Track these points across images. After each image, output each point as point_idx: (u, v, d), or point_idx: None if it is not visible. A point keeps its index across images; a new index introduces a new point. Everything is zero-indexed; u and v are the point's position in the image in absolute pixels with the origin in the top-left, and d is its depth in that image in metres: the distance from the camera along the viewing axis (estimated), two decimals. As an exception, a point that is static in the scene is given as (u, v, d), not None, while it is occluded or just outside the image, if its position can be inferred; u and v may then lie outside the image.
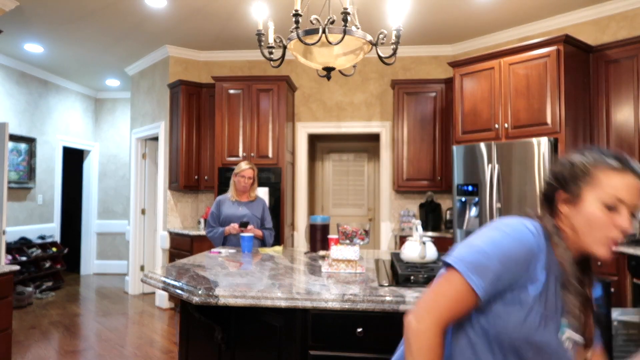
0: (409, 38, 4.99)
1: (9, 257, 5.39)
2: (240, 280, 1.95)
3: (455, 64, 4.37)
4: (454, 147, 4.23)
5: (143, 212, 6.18)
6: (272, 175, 4.84)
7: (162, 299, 5.41)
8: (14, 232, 5.86)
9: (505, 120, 3.97)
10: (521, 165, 3.73)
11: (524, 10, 4.31)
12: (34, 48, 5.44)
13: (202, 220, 5.26)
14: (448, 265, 1.01)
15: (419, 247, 2.06)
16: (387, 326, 1.67)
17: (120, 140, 7.62)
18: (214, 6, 4.26)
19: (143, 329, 4.57)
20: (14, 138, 5.83)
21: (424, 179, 5.01)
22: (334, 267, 2.17)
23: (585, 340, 1.03)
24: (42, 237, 6.27)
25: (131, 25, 4.76)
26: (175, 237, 5.30)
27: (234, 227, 3.34)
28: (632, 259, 3.38)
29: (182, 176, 5.22)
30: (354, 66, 2.91)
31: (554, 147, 3.63)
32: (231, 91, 4.97)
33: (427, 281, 1.87)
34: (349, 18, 2.28)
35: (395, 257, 2.26)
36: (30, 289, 5.58)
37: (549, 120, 3.69)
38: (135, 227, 6.11)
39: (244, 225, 3.29)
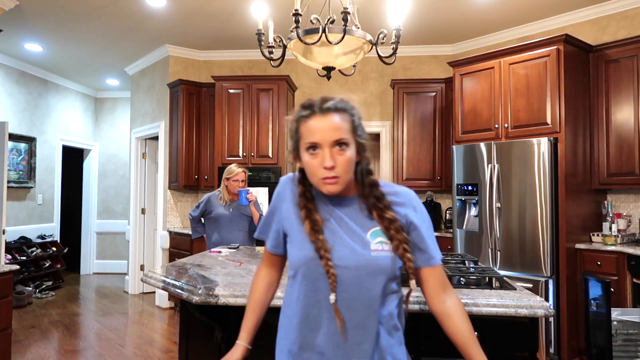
0: (409, 38, 4.99)
1: (9, 256, 5.39)
2: (240, 279, 1.95)
3: (455, 64, 4.37)
4: (454, 147, 4.23)
5: (143, 211, 6.18)
6: (272, 175, 4.84)
7: (162, 299, 5.41)
8: (14, 231, 5.86)
9: (505, 120, 3.97)
10: (521, 165, 3.73)
11: (524, 10, 4.31)
12: (33, 47, 5.43)
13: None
14: None
15: (419, 247, 2.06)
16: (387, 326, 1.67)
17: (120, 139, 7.62)
18: (213, 6, 4.26)
19: (143, 328, 4.57)
20: (13, 137, 5.83)
21: (424, 178, 5.01)
22: (334, 267, 2.17)
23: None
24: (41, 237, 6.27)
25: (131, 25, 4.75)
26: (175, 237, 5.30)
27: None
28: (632, 258, 3.39)
29: (182, 176, 5.22)
30: (354, 66, 2.91)
31: (553, 146, 3.63)
32: (231, 91, 4.97)
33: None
34: (349, 18, 2.28)
35: (395, 256, 2.25)
36: (30, 289, 5.58)
37: (548, 120, 3.69)
38: (135, 227, 6.11)
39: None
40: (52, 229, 6.61)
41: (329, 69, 2.72)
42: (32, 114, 6.26)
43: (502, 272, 3.34)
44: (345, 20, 2.28)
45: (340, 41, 2.36)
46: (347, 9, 2.26)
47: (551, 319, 3.56)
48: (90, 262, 7.50)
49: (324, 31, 2.37)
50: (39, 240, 6.17)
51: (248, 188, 3.21)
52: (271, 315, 1.84)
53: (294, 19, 2.34)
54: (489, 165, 3.92)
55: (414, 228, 1.19)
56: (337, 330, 1.11)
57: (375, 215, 1.17)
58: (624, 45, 3.76)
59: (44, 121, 6.48)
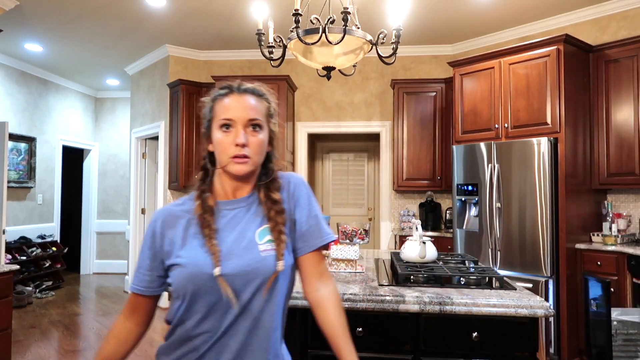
0: (409, 38, 4.99)
1: (9, 256, 5.39)
2: (240, 279, 1.95)
3: (455, 64, 4.37)
4: (454, 147, 4.23)
5: (143, 211, 6.18)
6: (272, 175, 4.83)
7: (162, 299, 5.41)
8: (14, 231, 5.86)
9: (505, 120, 3.97)
10: (521, 165, 3.73)
11: (524, 10, 4.31)
12: (33, 47, 5.43)
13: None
14: None
15: (419, 247, 2.07)
16: (387, 325, 1.67)
17: (120, 139, 7.62)
18: (213, 6, 4.26)
19: (143, 328, 4.57)
20: (13, 137, 5.83)
21: (424, 178, 5.01)
22: (334, 267, 2.17)
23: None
24: (41, 237, 6.27)
25: (131, 25, 4.75)
26: (175, 237, 5.29)
27: None
28: (632, 258, 3.39)
29: (182, 176, 5.22)
30: (354, 66, 2.91)
31: (553, 146, 3.63)
32: (231, 91, 4.96)
33: (427, 281, 1.87)
34: (349, 17, 2.28)
35: (395, 256, 2.26)
36: (30, 289, 5.58)
37: (548, 120, 3.69)
38: (135, 227, 6.11)
39: None
40: (52, 229, 6.61)
41: (329, 69, 2.72)
42: (32, 114, 6.26)
43: (502, 272, 3.34)
44: (345, 20, 2.28)
45: (340, 41, 2.36)
46: (347, 9, 2.26)
47: (551, 319, 3.56)
48: (90, 262, 7.50)
49: (324, 31, 2.37)
50: (39, 240, 6.17)
51: None
52: (271, 315, 1.84)
53: (294, 19, 2.34)
54: (489, 165, 3.92)
55: (293, 210, 1.17)
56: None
57: (265, 209, 1.14)
58: (624, 45, 3.76)
59: (44, 121, 6.48)
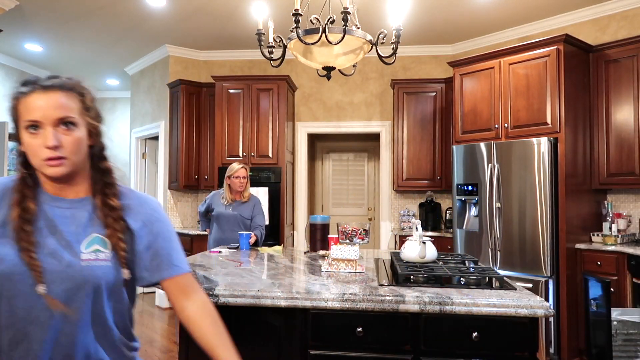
0: (409, 38, 4.99)
1: (9, 256, 5.39)
2: (240, 279, 1.95)
3: (455, 64, 4.37)
4: (454, 147, 4.23)
5: (143, 211, 6.18)
6: (272, 175, 4.84)
7: (162, 299, 5.41)
8: (14, 231, 5.85)
9: (505, 120, 3.97)
10: (521, 165, 3.73)
11: (524, 10, 4.31)
12: (33, 47, 5.43)
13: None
14: None
15: (419, 247, 2.07)
16: (387, 325, 1.67)
17: (120, 139, 7.62)
18: (213, 6, 4.26)
19: (143, 328, 4.57)
20: (13, 137, 5.82)
21: (424, 178, 5.01)
22: (334, 267, 2.17)
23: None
24: (42, 237, 6.26)
25: (131, 25, 4.76)
26: (175, 237, 5.29)
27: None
28: (632, 258, 3.39)
29: (182, 176, 5.22)
30: (354, 66, 2.91)
31: (553, 146, 3.63)
32: (231, 91, 4.97)
33: (427, 281, 1.88)
34: (349, 18, 2.28)
35: (395, 256, 2.26)
36: (30, 289, 5.57)
37: (548, 120, 3.69)
38: (135, 227, 6.10)
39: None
40: (52, 229, 6.60)
41: (329, 69, 2.72)
42: (32, 114, 6.25)
43: (502, 272, 3.34)
44: (345, 20, 2.28)
45: (340, 41, 2.36)
46: (347, 9, 2.26)
47: (551, 319, 3.56)
48: (90, 262, 7.50)
49: (324, 31, 2.37)
50: (39, 240, 6.16)
51: (250, 232, 3.14)
52: (271, 315, 1.84)
53: (294, 19, 2.34)
54: (489, 165, 3.92)
55: (154, 236, 1.10)
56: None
57: (101, 214, 1.05)
58: (624, 45, 3.76)
59: (44, 121, 6.48)
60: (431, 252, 2.09)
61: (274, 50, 2.75)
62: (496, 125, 4.02)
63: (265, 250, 3.09)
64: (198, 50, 5.58)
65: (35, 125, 1.00)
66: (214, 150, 5.03)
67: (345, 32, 2.34)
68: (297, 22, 2.33)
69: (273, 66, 2.84)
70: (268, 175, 4.82)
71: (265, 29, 2.72)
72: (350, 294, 1.67)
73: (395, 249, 4.91)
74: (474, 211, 4.08)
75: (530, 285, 3.61)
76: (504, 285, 1.82)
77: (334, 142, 6.65)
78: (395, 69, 5.34)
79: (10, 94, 1.05)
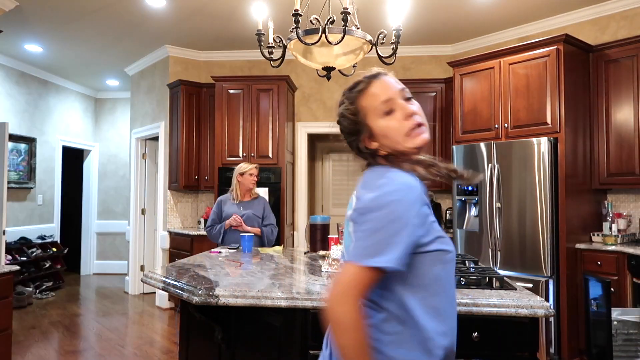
0: (409, 38, 4.99)
1: (9, 257, 5.39)
2: (240, 280, 1.95)
3: (455, 64, 4.37)
4: (454, 147, 4.23)
5: (143, 212, 6.18)
6: (272, 175, 4.83)
7: (162, 299, 5.41)
8: (14, 232, 5.86)
9: (505, 120, 3.97)
10: (521, 165, 3.73)
11: (524, 10, 4.31)
12: (33, 48, 5.43)
13: (202, 220, 5.26)
14: None
15: (419, 247, 2.06)
16: (387, 326, 1.66)
17: (120, 140, 7.62)
18: (214, 6, 4.26)
19: (143, 328, 4.57)
20: (13, 138, 5.83)
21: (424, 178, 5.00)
22: (334, 267, 2.17)
23: None
24: (42, 237, 6.27)
25: (131, 25, 4.76)
26: (175, 237, 5.30)
27: (234, 218, 3.36)
28: (632, 258, 3.38)
29: (182, 176, 5.22)
30: (354, 66, 2.91)
31: (553, 146, 3.63)
32: (231, 91, 4.97)
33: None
34: (348, 18, 2.28)
35: (395, 256, 2.25)
36: (30, 289, 5.58)
37: (548, 120, 3.69)
38: (135, 227, 6.11)
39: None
40: (52, 229, 6.61)
41: (328, 69, 2.72)
42: (32, 115, 6.26)
43: (502, 272, 3.34)
44: (345, 20, 2.28)
45: (340, 41, 2.36)
46: (347, 9, 2.26)
47: (551, 319, 3.56)
48: (91, 262, 7.50)
49: (323, 31, 2.37)
50: (39, 241, 6.16)
51: (252, 234, 3.13)
52: (272, 315, 1.84)
53: (293, 19, 2.34)
54: (489, 165, 3.92)
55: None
56: None
57: None
58: (623, 45, 3.76)
59: (44, 122, 6.48)
60: (431, 252, 2.08)
61: (274, 50, 2.75)
62: (496, 125, 4.02)
63: (266, 250, 3.09)
64: (198, 50, 5.58)
65: (389, 110, 1.07)
66: (214, 150, 5.03)
67: (345, 32, 2.34)
68: (297, 22, 2.33)
69: (273, 66, 2.84)
70: (268, 175, 4.82)
71: (265, 29, 2.72)
72: (351, 294, 1.66)
73: (395, 249, 4.90)
74: (474, 211, 4.08)
75: (531, 285, 3.61)
76: (504, 285, 1.82)
77: (334, 142, 6.64)
78: (395, 69, 5.29)
79: (348, 95, 1.16)
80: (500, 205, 3.84)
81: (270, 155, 4.89)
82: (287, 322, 1.77)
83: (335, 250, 2.18)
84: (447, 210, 4.99)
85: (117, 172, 7.60)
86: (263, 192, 4.71)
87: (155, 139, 6.00)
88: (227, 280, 1.94)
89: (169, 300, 5.35)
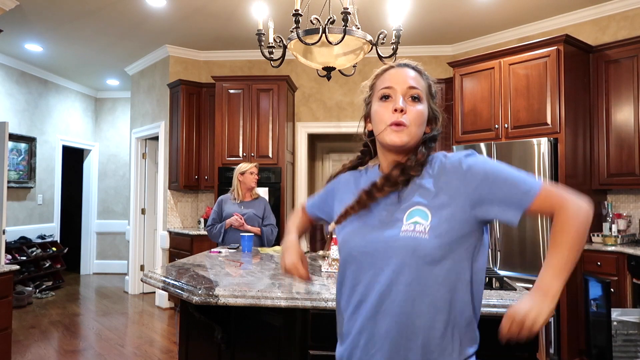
0: (409, 38, 4.99)
1: (9, 256, 5.39)
2: (240, 279, 1.95)
3: (455, 64, 4.37)
4: (454, 147, 4.23)
5: (143, 211, 6.18)
6: (272, 175, 4.83)
7: (162, 299, 5.41)
8: (14, 231, 5.86)
9: (505, 120, 3.97)
10: (521, 165, 3.73)
11: (524, 10, 4.31)
12: (33, 47, 5.43)
13: (202, 220, 5.26)
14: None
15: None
16: (387, 326, 1.66)
17: (120, 139, 7.62)
18: (214, 6, 4.26)
19: (143, 328, 4.57)
20: (13, 137, 5.83)
21: (424, 179, 5.00)
22: (334, 267, 2.17)
23: None
24: (41, 237, 6.27)
25: (131, 25, 4.75)
26: (175, 237, 5.30)
27: (237, 218, 3.36)
28: (632, 259, 3.38)
29: (182, 176, 5.22)
30: (354, 66, 2.91)
31: (553, 147, 3.63)
32: (231, 91, 4.97)
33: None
34: (349, 18, 2.28)
35: (395, 257, 2.26)
36: (30, 289, 5.58)
37: (549, 120, 3.69)
38: (135, 227, 6.11)
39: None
40: (52, 229, 6.61)
41: (329, 69, 2.72)
42: (32, 114, 6.26)
43: (502, 272, 3.35)
44: (345, 20, 2.28)
45: (341, 41, 2.36)
46: (347, 9, 2.26)
47: (551, 320, 3.56)
48: (90, 262, 7.50)
49: (324, 31, 2.37)
50: (39, 241, 6.16)
51: (252, 234, 3.12)
52: (271, 315, 1.84)
53: (294, 19, 2.34)
54: (489, 165, 3.92)
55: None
56: None
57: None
58: (624, 46, 3.76)
59: (44, 121, 6.48)
60: (431, 252, 2.08)
61: (274, 50, 2.75)
62: (496, 126, 4.02)
63: (265, 250, 3.09)
64: (198, 50, 5.58)
65: (386, 95, 1.08)
66: (214, 150, 5.03)
67: (345, 32, 2.34)
68: (297, 22, 2.33)
69: (273, 66, 2.84)
70: (268, 175, 4.82)
71: (266, 29, 2.72)
72: (350, 294, 1.66)
73: (395, 249, 4.91)
74: (474, 211, 4.07)
75: (531, 286, 3.60)
76: (504, 285, 1.82)
77: (334, 142, 6.65)
78: (395, 69, 5.33)
79: (373, 76, 1.18)
80: (500, 206, 3.84)
81: (270, 155, 4.89)
82: (287, 322, 1.77)
83: (336, 251, 2.18)
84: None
85: (117, 171, 7.60)
86: (263, 192, 4.71)
87: (155, 138, 6.00)
88: (227, 280, 1.93)
89: (169, 300, 5.35)
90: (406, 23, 4.55)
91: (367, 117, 1.16)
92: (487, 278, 1.85)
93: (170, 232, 5.39)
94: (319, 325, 1.71)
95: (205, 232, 4.01)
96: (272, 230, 3.54)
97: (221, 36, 5.08)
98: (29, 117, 6.19)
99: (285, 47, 2.65)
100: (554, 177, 3.61)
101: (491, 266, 3.86)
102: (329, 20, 2.39)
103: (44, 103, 6.48)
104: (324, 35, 2.37)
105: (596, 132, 3.92)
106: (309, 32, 2.45)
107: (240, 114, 4.94)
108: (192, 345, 2.25)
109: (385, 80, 1.11)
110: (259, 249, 3.19)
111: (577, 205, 0.99)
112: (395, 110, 1.04)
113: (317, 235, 2.99)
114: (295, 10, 2.32)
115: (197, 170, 5.34)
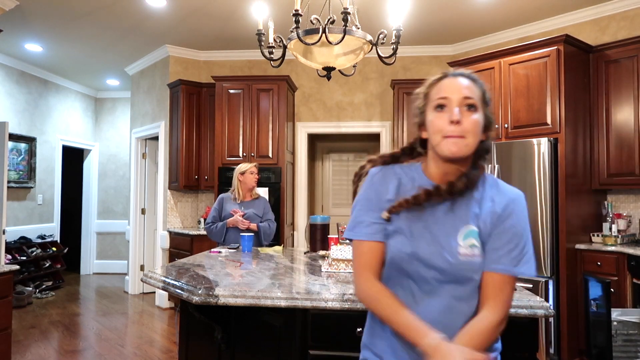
0: (409, 38, 4.99)
1: (9, 256, 5.39)
2: (240, 279, 1.95)
3: (455, 64, 4.37)
4: (454, 147, 4.22)
5: (143, 211, 6.18)
6: (272, 175, 4.83)
7: (162, 299, 5.41)
8: (14, 231, 5.86)
9: (505, 120, 3.97)
10: (521, 165, 3.73)
11: (524, 10, 4.31)
12: (33, 47, 5.43)
13: (202, 220, 5.26)
14: None
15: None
16: (387, 326, 1.66)
17: (120, 139, 7.62)
18: (214, 6, 4.26)
19: (143, 328, 4.57)
20: (13, 137, 5.82)
21: (424, 179, 5.00)
22: (334, 267, 2.17)
23: None
24: (41, 237, 6.27)
25: (131, 25, 4.76)
26: (175, 237, 5.30)
27: (241, 220, 3.35)
28: (632, 259, 3.38)
29: (182, 176, 5.22)
30: (354, 66, 2.91)
31: (554, 147, 3.63)
32: (231, 91, 4.97)
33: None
34: (349, 18, 2.28)
35: (395, 257, 2.25)
36: (30, 289, 5.58)
37: (549, 120, 3.69)
38: (135, 227, 6.11)
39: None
40: (52, 229, 6.61)
41: (329, 69, 2.72)
42: (32, 114, 6.26)
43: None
44: (345, 20, 2.28)
45: (341, 41, 2.36)
46: (347, 9, 2.26)
47: (551, 320, 3.56)
48: (90, 262, 7.50)
49: (324, 31, 2.37)
50: (39, 241, 6.16)
51: (251, 233, 3.11)
52: (271, 315, 1.84)
53: (294, 19, 2.34)
54: (489, 165, 3.92)
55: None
56: None
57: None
58: (624, 46, 3.76)
59: (44, 121, 6.48)
60: (431, 252, 2.08)
61: (274, 50, 2.75)
62: (496, 126, 4.02)
63: (265, 250, 3.09)
64: (198, 50, 5.58)
65: (442, 105, 1.10)
66: (214, 150, 5.03)
67: (345, 32, 2.34)
68: (297, 22, 2.34)
69: (273, 66, 2.84)
70: (268, 175, 4.82)
71: (266, 29, 2.72)
72: (350, 294, 1.67)
73: (395, 249, 4.91)
74: (474, 211, 4.07)
75: (530, 286, 3.61)
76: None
77: (334, 142, 6.65)
78: (395, 69, 5.33)
79: (426, 84, 1.19)
80: (500, 206, 3.84)
81: (270, 155, 4.89)
82: (287, 322, 1.77)
83: (336, 251, 2.18)
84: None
85: (117, 171, 7.60)
86: (263, 192, 4.71)
87: (155, 138, 6.00)
88: (227, 280, 1.94)
89: (169, 300, 5.35)
90: (406, 23, 4.55)
91: (420, 125, 1.18)
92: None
93: (170, 232, 5.39)
94: (319, 325, 1.71)
95: (205, 232, 4.00)
96: (270, 224, 3.51)
97: (221, 36, 5.08)
98: (29, 117, 6.19)
99: (285, 47, 2.65)
100: (554, 177, 3.62)
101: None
102: (329, 20, 2.39)
103: (44, 103, 6.48)
104: (324, 35, 2.37)
105: (596, 132, 3.92)
106: (309, 32, 2.45)
107: (240, 114, 4.94)
108: (192, 345, 2.25)
109: (440, 90, 1.12)
110: (259, 249, 3.19)
111: (498, 321, 1.11)
112: (452, 122, 1.07)
113: (317, 234, 2.99)
114: (295, 10, 2.32)
115: (197, 170, 5.34)
